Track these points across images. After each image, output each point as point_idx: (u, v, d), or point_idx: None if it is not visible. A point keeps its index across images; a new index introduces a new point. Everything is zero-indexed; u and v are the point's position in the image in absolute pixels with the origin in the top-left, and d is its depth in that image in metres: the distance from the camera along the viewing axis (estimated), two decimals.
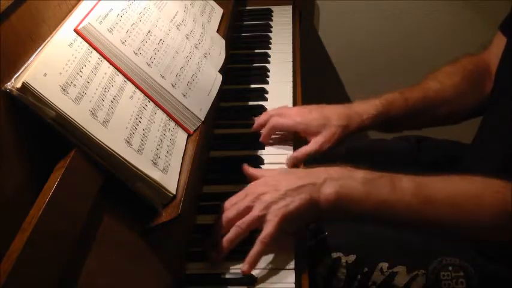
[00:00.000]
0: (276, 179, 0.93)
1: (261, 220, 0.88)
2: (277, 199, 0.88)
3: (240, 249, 0.90)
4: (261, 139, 1.13)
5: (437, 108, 1.16)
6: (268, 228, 0.87)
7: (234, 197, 0.93)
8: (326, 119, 1.09)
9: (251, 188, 0.93)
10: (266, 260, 0.90)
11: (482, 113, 1.13)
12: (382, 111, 1.11)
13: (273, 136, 1.14)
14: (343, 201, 0.88)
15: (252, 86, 1.32)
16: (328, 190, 0.88)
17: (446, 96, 1.15)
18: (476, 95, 1.16)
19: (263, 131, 1.13)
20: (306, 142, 1.11)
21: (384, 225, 0.93)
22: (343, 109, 1.12)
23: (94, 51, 0.86)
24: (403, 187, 0.88)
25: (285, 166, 1.09)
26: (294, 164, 1.09)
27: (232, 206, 0.92)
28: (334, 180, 0.89)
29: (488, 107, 1.09)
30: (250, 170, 1.00)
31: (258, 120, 1.15)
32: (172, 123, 0.96)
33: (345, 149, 1.25)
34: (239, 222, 0.89)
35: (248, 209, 0.90)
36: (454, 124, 1.22)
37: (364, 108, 1.11)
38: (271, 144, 1.14)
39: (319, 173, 0.91)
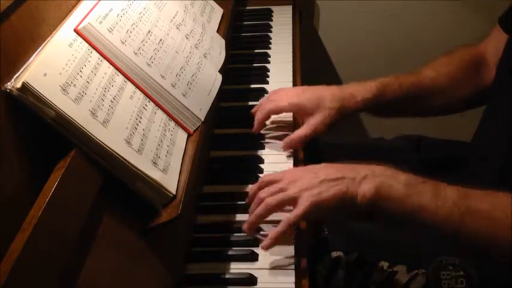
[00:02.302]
0: (315, 167, 0.92)
1: (291, 202, 0.88)
2: (312, 185, 0.87)
3: (241, 250, 0.91)
4: (254, 128, 1.13)
5: (432, 97, 1.16)
6: (296, 211, 0.87)
7: (270, 175, 0.94)
8: (320, 99, 1.09)
9: (288, 172, 0.93)
10: (266, 259, 0.90)
11: (479, 105, 1.13)
12: (376, 94, 1.10)
13: (271, 135, 1.13)
14: (381, 199, 0.86)
15: (252, 86, 1.32)
16: (367, 186, 0.86)
17: (441, 84, 1.15)
18: (472, 85, 1.16)
19: (256, 119, 1.12)
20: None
21: (417, 230, 0.90)
22: (338, 90, 1.11)
23: (94, 51, 0.86)
24: (447, 195, 0.85)
25: (285, 166, 1.08)
26: (290, 147, 1.09)
27: (266, 184, 0.92)
28: (375, 177, 0.87)
29: (488, 105, 1.09)
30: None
31: (257, 119, 1.14)
32: (172, 123, 0.96)
33: (345, 148, 1.24)
34: (269, 199, 0.89)
35: (281, 190, 0.89)
36: (450, 114, 1.22)
37: (358, 90, 1.11)
38: (271, 144, 1.13)
39: (361, 169, 0.89)
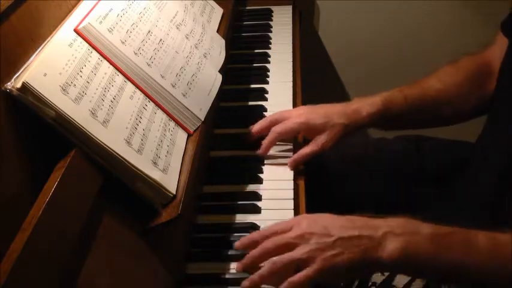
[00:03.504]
0: (326, 219, 0.84)
1: (300, 263, 0.80)
2: (325, 246, 0.80)
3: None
4: (260, 151, 1.09)
5: (439, 108, 1.15)
6: (305, 273, 0.79)
7: (278, 225, 0.86)
8: (328, 117, 1.08)
9: (298, 223, 0.84)
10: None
11: (485, 113, 1.12)
12: (381, 109, 1.10)
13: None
14: (410, 259, 0.79)
15: (252, 86, 1.32)
16: (392, 246, 0.79)
17: (448, 96, 1.14)
18: (478, 94, 1.15)
19: (264, 142, 1.09)
20: (306, 141, 1.11)
21: (455, 283, 0.87)
22: (343, 107, 1.11)
23: (94, 51, 0.86)
24: (480, 246, 0.80)
25: (285, 166, 1.08)
26: (297, 165, 1.08)
27: (273, 234, 0.84)
28: (397, 236, 0.80)
29: (491, 109, 1.08)
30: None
31: (258, 125, 1.12)
32: (172, 123, 0.96)
33: (346, 149, 1.24)
34: (276, 259, 0.81)
35: (289, 245, 0.82)
36: (455, 124, 1.21)
37: (363, 106, 1.10)
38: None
39: (379, 225, 0.81)
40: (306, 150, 1.08)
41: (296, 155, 1.08)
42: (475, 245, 0.80)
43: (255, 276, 0.82)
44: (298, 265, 0.80)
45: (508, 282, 0.80)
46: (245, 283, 0.82)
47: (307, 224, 0.83)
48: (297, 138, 1.14)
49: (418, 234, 0.80)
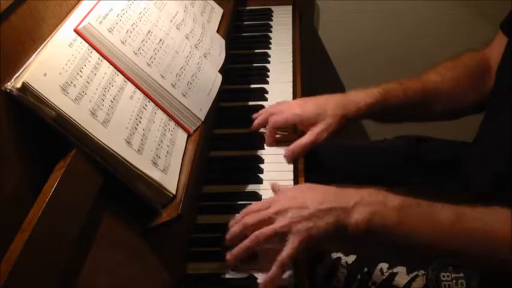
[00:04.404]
0: (303, 194, 0.89)
1: (280, 236, 0.85)
2: (301, 218, 0.84)
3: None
4: (266, 143, 1.12)
5: (436, 102, 1.15)
6: (288, 250, 0.83)
7: (258, 203, 0.91)
8: (322, 109, 1.09)
9: (276, 200, 0.89)
10: (266, 259, 0.90)
11: (482, 110, 1.12)
12: (379, 100, 1.10)
13: (276, 136, 1.14)
14: (374, 229, 0.83)
15: (252, 86, 1.32)
16: (359, 216, 0.83)
17: (445, 89, 1.15)
18: (477, 91, 1.15)
19: (266, 135, 1.12)
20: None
21: (415, 254, 0.89)
22: (340, 98, 1.11)
23: (94, 51, 0.86)
24: (443, 217, 0.83)
25: (285, 166, 1.08)
26: (292, 158, 1.08)
27: (254, 212, 0.88)
28: (366, 206, 0.84)
29: (489, 107, 1.09)
30: (278, 186, 0.98)
31: (257, 119, 1.15)
32: (172, 123, 0.95)
33: (346, 149, 1.24)
34: (258, 233, 0.85)
35: (269, 220, 0.86)
36: (453, 119, 1.22)
37: (361, 96, 1.10)
38: (278, 145, 1.13)
39: (350, 196, 0.86)
40: (301, 140, 1.08)
41: (292, 145, 1.09)
42: (438, 217, 0.83)
43: (238, 249, 0.86)
44: (279, 238, 0.85)
45: (471, 258, 0.83)
46: (228, 256, 0.86)
47: (285, 200, 0.88)
48: (298, 135, 1.14)
49: (384, 205, 0.84)
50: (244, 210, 0.91)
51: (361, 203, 0.84)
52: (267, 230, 0.85)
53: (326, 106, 1.09)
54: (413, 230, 0.83)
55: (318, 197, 0.87)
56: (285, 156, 1.09)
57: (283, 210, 0.86)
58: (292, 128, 1.15)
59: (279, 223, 0.85)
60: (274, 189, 0.98)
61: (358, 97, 1.10)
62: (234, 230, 0.88)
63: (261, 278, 0.87)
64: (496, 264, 0.83)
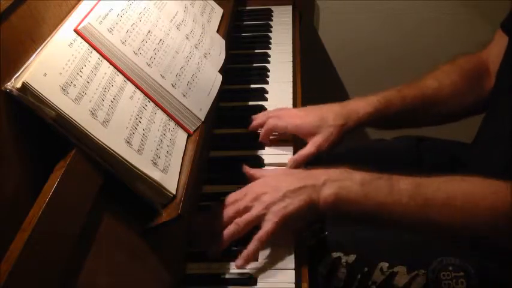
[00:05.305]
0: (276, 179, 0.94)
1: (259, 219, 0.89)
2: (276, 200, 0.89)
3: (241, 249, 0.91)
4: (260, 139, 1.13)
5: (435, 107, 1.16)
6: (265, 227, 0.88)
7: (234, 194, 0.94)
8: (322, 119, 1.10)
9: (251, 188, 0.94)
10: (266, 260, 0.90)
11: (481, 112, 1.13)
12: (379, 109, 1.11)
13: (271, 137, 1.14)
14: (341, 202, 0.89)
15: (252, 86, 1.32)
16: (327, 192, 0.89)
17: (444, 94, 1.15)
18: (475, 93, 1.16)
19: (261, 132, 1.13)
20: (306, 142, 1.11)
21: (382, 227, 0.93)
22: (340, 108, 1.12)
23: (94, 51, 0.86)
24: (401, 188, 0.87)
25: (284, 166, 1.09)
26: (295, 167, 1.09)
27: (231, 203, 0.93)
28: (333, 182, 0.90)
29: (489, 108, 1.09)
30: (250, 170, 1.01)
31: (256, 119, 1.15)
32: (172, 123, 0.96)
33: (345, 150, 1.24)
34: (238, 220, 0.90)
35: (247, 209, 0.90)
36: (452, 122, 1.22)
37: (361, 105, 1.11)
38: (271, 145, 1.14)
39: (319, 175, 0.91)
40: (303, 151, 1.09)
41: (296, 156, 1.10)
42: (397, 188, 0.88)
43: (223, 236, 0.90)
44: (258, 223, 0.89)
45: (430, 223, 0.87)
46: (213, 249, 0.90)
47: (259, 186, 0.93)
48: (298, 138, 1.15)
49: (350, 180, 0.90)
50: (223, 204, 0.94)
51: (329, 179, 0.90)
52: (247, 216, 0.90)
53: (326, 117, 1.10)
54: (377, 204, 0.88)
55: (290, 179, 0.92)
56: (287, 166, 1.09)
57: (258, 196, 0.91)
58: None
59: (257, 209, 0.90)
60: (252, 174, 1.00)
61: (358, 106, 1.11)
62: (216, 224, 0.92)
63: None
64: (460, 239, 0.89)
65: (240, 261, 0.88)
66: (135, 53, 0.93)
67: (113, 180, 0.80)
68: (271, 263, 0.90)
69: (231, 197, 0.94)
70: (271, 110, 1.17)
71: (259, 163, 1.09)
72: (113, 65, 0.88)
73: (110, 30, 0.90)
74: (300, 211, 0.89)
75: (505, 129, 0.99)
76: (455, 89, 1.16)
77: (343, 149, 1.19)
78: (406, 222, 0.88)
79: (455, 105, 1.17)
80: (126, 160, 0.80)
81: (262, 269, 0.89)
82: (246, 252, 0.88)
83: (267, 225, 0.88)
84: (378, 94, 1.13)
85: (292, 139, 1.14)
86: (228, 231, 0.90)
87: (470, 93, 1.16)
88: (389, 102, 1.11)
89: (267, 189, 0.91)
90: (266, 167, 1.09)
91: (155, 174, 0.83)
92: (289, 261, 0.90)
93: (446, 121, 1.22)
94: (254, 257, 0.89)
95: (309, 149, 1.09)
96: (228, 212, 0.92)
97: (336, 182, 0.89)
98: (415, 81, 1.17)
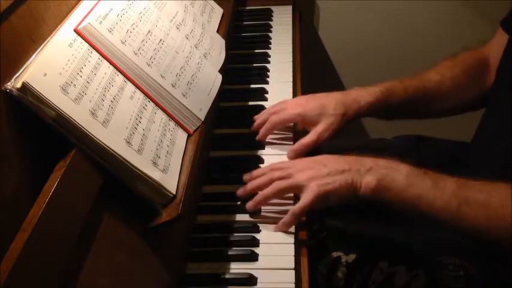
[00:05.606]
0: (325, 158, 0.97)
1: (300, 189, 0.92)
2: (320, 176, 0.92)
3: (241, 250, 0.91)
4: (258, 137, 1.12)
5: (436, 100, 1.17)
6: (303, 200, 0.91)
7: (280, 163, 0.99)
8: (323, 108, 1.10)
9: (299, 161, 0.98)
10: (266, 259, 0.90)
11: (481, 107, 1.13)
12: (380, 98, 1.11)
13: (271, 137, 1.14)
14: (383, 189, 0.90)
15: (252, 86, 1.32)
16: (370, 177, 0.91)
17: (445, 88, 1.16)
18: (476, 88, 1.17)
19: (261, 130, 1.13)
20: (307, 132, 1.11)
21: (420, 217, 0.93)
22: (341, 96, 1.12)
23: (94, 51, 0.86)
24: (446, 186, 0.88)
25: None
26: (296, 156, 1.08)
27: (277, 169, 0.96)
28: (380, 169, 0.92)
29: (489, 104, 1.09)
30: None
31: (258, 120, 1.15)
32: (172, 123, 0.96)
33: (345, 149, 1.24)
34: (280, 181, 0.93)
35: (291, 176, 0.94)
36: (453, 115, 1.22)
37: (362, 94, 1.11)
38: (271, 144, 1.14)
39: (367, 161, 0.94)
40: (304, 140, 1.09)
41: (295, 145, 1.09)
42: (442, 185, 0.89)
43: (259, 196, 0.95)
44: (296, 191, 0.94)
45: (471, 228, 0.87)
46: (249, 204, 0.95)
47: (305, 162, 0.97)
48: (298, 133, 1.14)
49: (396, 170, 0.91)
50: (262, 169, 0.99)
51: (375, 166, 0.92)
52: (288, 181, 0.93)
53: (327, 105, 1.10)
54: (418, 195, 0.89)
55: (338, 159, 0.95)
56: (288, 156, 1.09)
57: (304, 169, 0.94)
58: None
59: (301, 177, 0.93)
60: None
61: (359, 96, 1.11)
62: (258, 182, 0.96)
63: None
64: (492, 239, 0.87)
65: (276, 228, 0.93)
66: (135, 53, 0.93)
67: (113, 180, 0.80)
68: (271, 263, 0.90)
69: (277, 164, 0.99)
70: (272, 106, 1.17)
71: (259, 163, 1.09)
72: (113, 65, 0.88)
73: (110, 30, 0.90)
74: (340, 191, 0.91)
75: (505, 126, 0.99)
76: (456, 83, 1.17)
77: (343, 149, 1.19)
78: (442, 218, 0.89)
79: (457, 99, 1.18)
80: (126, 160, 0.80)
81: (262, 269, 0.89)
82: (281, 224, 0.92)
83: (306, 197, 0.91)
84: (380, 84, 1.13)
85: (292, 138, 1.14)
86: (268, 190, 0.94)
87: (472, 87, 1.17)
88: (390, 93, 1.12)
89: (314, 165, 0.94)
90: (266, 164, 1.09)
91: (155, 174, 0.83)
92: (289, 261, 0.89)
93: (446, 114, 1.23)
94: (288, 228, 0.93)
95: (309, 138, 1.09)
96: (273, 174, 0.95)
97: (382, 170, 0.91)
98: (418, 74, 1.18)
